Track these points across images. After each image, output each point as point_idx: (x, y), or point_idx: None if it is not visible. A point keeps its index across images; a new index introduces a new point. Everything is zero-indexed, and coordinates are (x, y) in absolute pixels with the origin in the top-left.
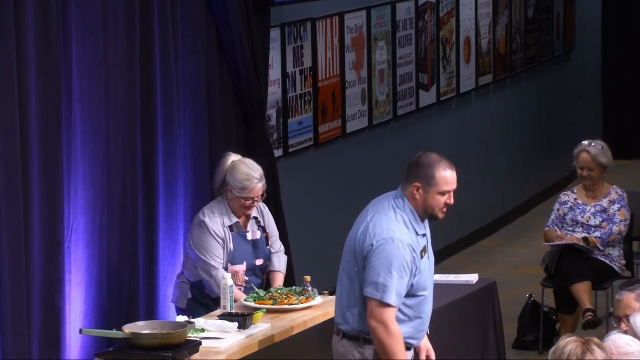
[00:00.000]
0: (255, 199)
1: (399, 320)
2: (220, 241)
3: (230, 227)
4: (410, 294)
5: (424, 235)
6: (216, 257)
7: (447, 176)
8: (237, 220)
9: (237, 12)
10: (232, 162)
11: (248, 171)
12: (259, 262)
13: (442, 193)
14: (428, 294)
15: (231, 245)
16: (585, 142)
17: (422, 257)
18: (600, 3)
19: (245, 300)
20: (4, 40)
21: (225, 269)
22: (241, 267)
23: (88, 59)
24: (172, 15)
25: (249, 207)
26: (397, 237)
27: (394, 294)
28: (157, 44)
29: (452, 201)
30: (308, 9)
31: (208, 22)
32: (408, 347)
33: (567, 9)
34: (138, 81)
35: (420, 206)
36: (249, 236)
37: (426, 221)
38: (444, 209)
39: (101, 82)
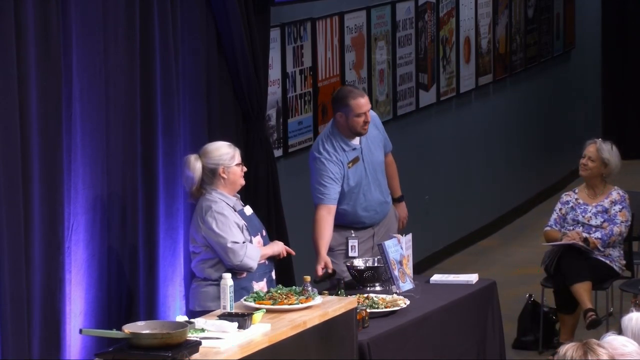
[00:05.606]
0: (243, 165)
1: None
2: (235, 221)
3: (233, 208)
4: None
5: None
6: (238, 236)
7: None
8: (234, 200)
9: (237, 12)
10: (197, 155)
11: (222, 144)
12: (264, 232)
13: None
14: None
15: (244, 222)
16: (600, 140)
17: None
18: (600, 3)
19: (245, 300)
20: (4, 40)
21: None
22: (259, 239)
23: (88, 59)
24: (172, 15)
25: (243, 175)
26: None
27: None
28: (157, 44)
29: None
30: (308, 9)
31: (208, 22)
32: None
33: (567, 9)
34: (138, 81)
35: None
36: (247, 212)
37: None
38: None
39: (101, 82)
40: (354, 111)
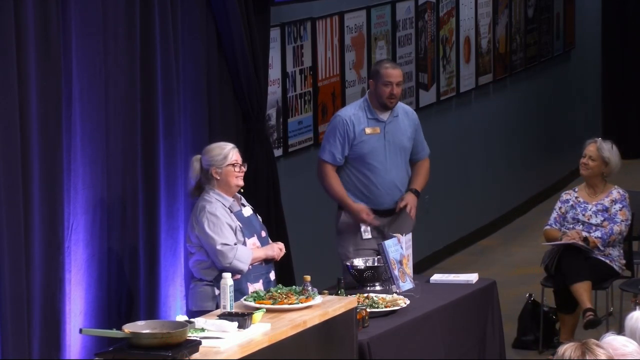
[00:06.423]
0: (241, 164)
1: None
2: (228, 222)
3: (229, 209)
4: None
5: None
6: (229, 238)
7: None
8: (231, 200)
9: (237, 12)
10: (197, 155)
11: (217, 145)
12: (263, 233)
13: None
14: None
15: (238, 223)
16: (600, 139)
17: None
18: (600, 3)
19: (245, 300)
20: (4, 40)
21: (244, 245)
22: (254, 241)
23: (88, 59)
24: (172, 15)
25: (240, 176)
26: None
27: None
28: (158, 44)
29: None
30: (308, 9)
31: (208, 22)
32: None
33: (567, 8)
34: (138, 81)
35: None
36: (245, 213)
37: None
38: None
39: (101, 82)
40: (382, 79)
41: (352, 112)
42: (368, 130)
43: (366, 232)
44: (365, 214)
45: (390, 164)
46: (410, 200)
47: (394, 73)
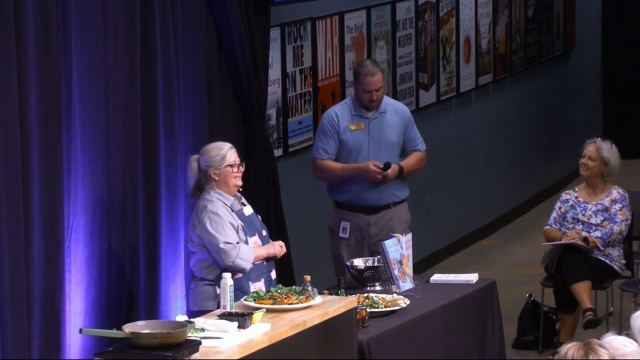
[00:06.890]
0: (239, 165)
1: None
2: (230, 221)
3: (231, 208)
4: None
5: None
6: (232, 237)
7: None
8: (232, 200)
9: (237, 12)
10: (195, 155)
11: (215, 145)
12: (264, 232)
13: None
14: None
15: (240, 222)
16: (599, 139)
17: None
18: (600, 3)
19: (245, 300)
20: (4, 40)
21: (246, 244)
22: (256, 239)
23: (88, 59)
24: (172, 15)
25: (238, 176)
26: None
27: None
28: (158, 44)
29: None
30: (308, 9)
31: (208, 22)
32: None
33: (567, 8)
34: (138, 81)
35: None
36: (246, 212)
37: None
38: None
39: (101, 82)
40: (362, 86)
41: (338, 109)
42: (352, 127)
43: (344, 231)
44: (372, 165)
45: (374, 160)
46: (393, 172)
47: (372, 81)
